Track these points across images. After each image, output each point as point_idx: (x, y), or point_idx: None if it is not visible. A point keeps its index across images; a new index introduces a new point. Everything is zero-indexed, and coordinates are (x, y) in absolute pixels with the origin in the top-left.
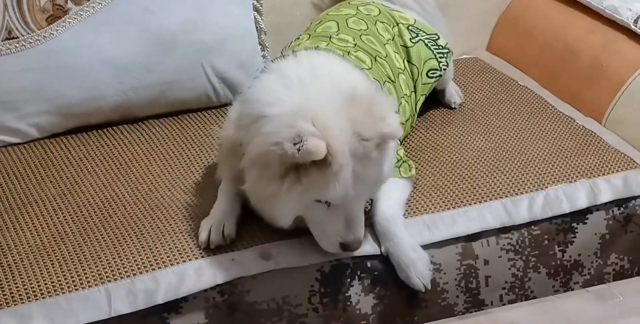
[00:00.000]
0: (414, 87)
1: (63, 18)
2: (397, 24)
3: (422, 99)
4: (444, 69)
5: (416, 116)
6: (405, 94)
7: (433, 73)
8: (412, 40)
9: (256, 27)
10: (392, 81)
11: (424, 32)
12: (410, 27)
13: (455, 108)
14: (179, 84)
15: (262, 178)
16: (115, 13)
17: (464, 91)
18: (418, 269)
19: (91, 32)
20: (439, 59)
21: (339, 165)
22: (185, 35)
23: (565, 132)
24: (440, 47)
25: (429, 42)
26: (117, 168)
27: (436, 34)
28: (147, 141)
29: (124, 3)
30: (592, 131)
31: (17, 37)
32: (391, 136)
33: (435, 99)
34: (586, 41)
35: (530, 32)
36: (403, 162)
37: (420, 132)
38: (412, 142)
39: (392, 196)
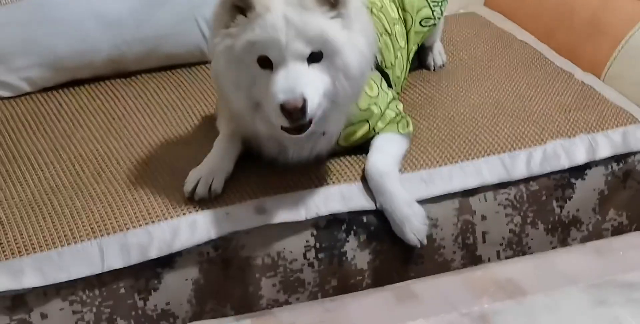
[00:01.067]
0: (407, 36)
1: None
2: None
3: (414, 49)
4: (438, 18)
5: (409, 66)
6: (400, 46)
7: (426, 22)
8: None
9: None
10: (388, 33)
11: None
12: None
13: (435, 70)
14: (172, 38)
15: (215, 31)
16: None
17: (461, 46)
18: (413, 225)
19: None
20: (433, 8)
21: (262, 6)
22: None
23: (564, 87)
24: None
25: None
26: (110, 122)
27: None
28: (139, 95)
29: None
30: (591, 86)
31: None
32: None
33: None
34: None
35: None
36: (402, 117)
37: (417, 87)
38: (409, 97)
39: (387, 150)
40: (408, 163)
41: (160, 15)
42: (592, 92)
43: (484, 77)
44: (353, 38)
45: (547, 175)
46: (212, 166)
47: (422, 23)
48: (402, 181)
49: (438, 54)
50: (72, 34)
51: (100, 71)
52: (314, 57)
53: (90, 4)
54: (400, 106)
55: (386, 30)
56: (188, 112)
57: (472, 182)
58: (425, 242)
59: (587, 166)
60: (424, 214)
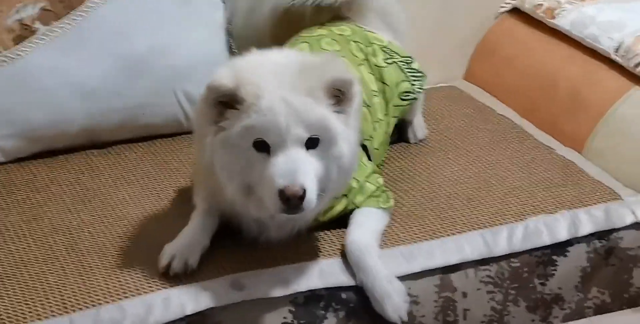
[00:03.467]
0: (386, 108)
1: (30, 38)
2: (371, 44)
3: (393, 122)
4: (418, 92)
5: (388, 139)
6: (380, 119)
7: (406, 95)
8: (387, 61)
9: (229, 50)
10: (367, 105)
11: (398, 55)
12: (384, 49)
13: (415, 143)
14: (149, 109)
15: (202, 127)
16: (84, 35)
17: (441, 119)
18: (394, 302)
19: (59, 54)
20: (413, 82)
21: (252, 96)
22: (155, 59)
23: (545, 162)
24: (414, 71)
25: (402, 64)
26: (84, 194)
27: (410, 57)
28: (114, 167)
29: (93, 25)
30: (572, 162)
31: None
32: (339, 81)
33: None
34: (566, 70)
35: (508, 60)
36: (382, 192)
37: (397, 161)
38: (388, 170)
39: (367, 225)
40: (388, 238)
41: (137, 86)
42: (573, 168)
43: (464, 151)
44: (348, 132)
45: (529, 252)
46: (189, 240)
47: (402, 97)
48: (382, 257)
49: (419, 128)
50: (47, 103)
51: (75, 141)
52: (311, 143)
53: (67, 74)
54: (381, 180)
55: (364, 102)
56: (164, 185)
57: (453, 259)
58: (406, 319)
59: (569, 242)
60: (404, 290)
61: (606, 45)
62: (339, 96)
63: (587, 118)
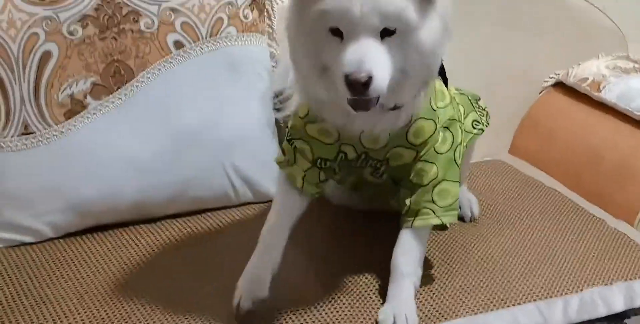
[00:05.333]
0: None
1: (81, 113)
2: None
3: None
4: (485, 126)
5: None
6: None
7: (476, 124)
8: (459, 90)
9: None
10: (460, 121)
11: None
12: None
13: (468, 222)
14: (198, 182)
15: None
16: (133, 109)
17: (488, 192)
18: None
19: (109, 129)
20: (479, 115)
21: None
22: (204, 133)
23: (598, 234)
24: (481, 108)
25: (471, 98)
26: (135, 268)
27: (478, 95)
28: (164, 242)
29: (143, 100)
30: (625, 234)
31: (34, 132)
32: None
33: None
34: (612, 142)
35: (553, 134)
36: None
37: (449, 232)
38: (440, 241)
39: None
40: (440, 313)
41: (186, 160)
42: (626, 240)
43: (516, 223)
44: (430, 22)
45: (585, 323)
46: (254, 269)
47: (474, 125)
48: None
49: (467, 203)
50: (98, 178)
51: (125, 216)
52: (387, 32)
53: (117, 148)
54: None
55: (458, 118)
56: (212, 261)
57: None
58: None
59: (626, 314)
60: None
61: None
62: None
63: (637, 190)
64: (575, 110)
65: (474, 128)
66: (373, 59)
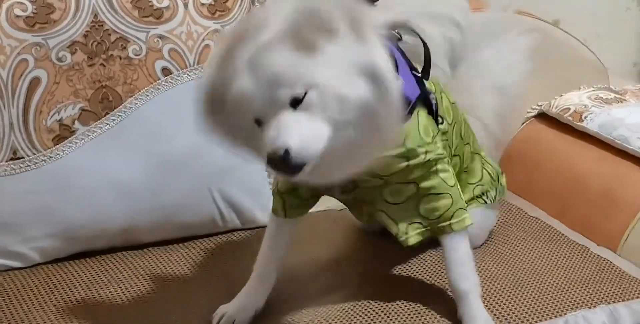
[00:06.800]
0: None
1: (70, 139)
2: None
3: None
4: (491, 202)
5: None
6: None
7: (485, 196)
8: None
9: None
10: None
11: (490, 167)
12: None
13: None
14: (185, 208)
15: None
16: (121, 135)
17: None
18: None
19: (98, 154)
20: (494, 192)
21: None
22: (192, 159)
23: (581, 260)
24: (500, 184)
25: (493, 173)
26: (124, 293)
27: (499, 170)
28: (152, 267)
29: (131, 125)
30: (608, 260)
31: (22, 157)
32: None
33: None
34: (596, 171)
35: (537, 164)
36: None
37: (432, 256)
38: (417, 268)
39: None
40: None
41: (174, 185)
42: (609, 266)
43: (497, 251)
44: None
45: None
46: (239, 302)
47: (483, 197)
48: None
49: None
50: (87, 202)
51: (113, 242)
52: (296, 100)
53: (105, 173)
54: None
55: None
56: (203, 286)
57: None
58: None
59: None
60: None
61: (636, 145)
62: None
63: (621, 217)
64: (559, 140)
65: (480, 197)
66: (285, 133)
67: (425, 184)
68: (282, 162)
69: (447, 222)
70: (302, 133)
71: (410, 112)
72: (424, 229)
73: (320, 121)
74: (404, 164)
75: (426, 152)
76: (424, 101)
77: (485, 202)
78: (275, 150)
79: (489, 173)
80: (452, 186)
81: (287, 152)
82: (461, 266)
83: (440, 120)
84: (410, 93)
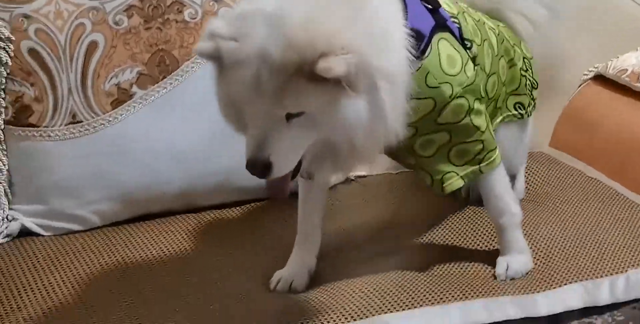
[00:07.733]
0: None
1: (127, 102)
2: (513, 47)
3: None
4: (528, 115)
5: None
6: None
7: (520, 107)
8: (522, 71)
9: None
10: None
11: (531, 76)
12: (525, 59)
13: None
14: (240, 173)
15: None
16: (179, 99)
17: (530, 182)
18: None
19: (155, 118)
20: (527, 103)
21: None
22: None
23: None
24: (533, 97)
25: (531, 83)
26: (184, 256)
27: (537, 82)
28: (210, 230)
29: (187, 89)
30: None
31: (81, 121)
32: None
33: None
34: None
35: (594, 125)
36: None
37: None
38: (483, 228)
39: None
40: (494, 289)
41: (230, 149)
42: None
43: (558, 211)
44: (347, 98)
45: (633, 302)
46: (293, 264)
47: (516, 107)
48: (487, 305)
49: (521, 189)
50: (143, 166)
51: (172, 206)
52: (291, 115)
53: (162, 137)
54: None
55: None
56: (260, 248)
57: (558, 308)
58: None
59: None
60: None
61: None
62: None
63: None
64: (616, 101)
65: (516, 110)
66: (272, 145)
67: (457, 131)
68: (257, 171)
69: (477, 166)
70: (282, 149)
71: (426, 48)
72: (457, 177)
73: (306, 137)
74: (431, 104)
75: (451, 86)
76: (443, 28)
77: (522, 115)
78: (254, 160)
79: (527, 81)
80: (483, 132)
81: (264, 166)
82: (499, 202)
83: (468, 44)
84: (422, 26)
